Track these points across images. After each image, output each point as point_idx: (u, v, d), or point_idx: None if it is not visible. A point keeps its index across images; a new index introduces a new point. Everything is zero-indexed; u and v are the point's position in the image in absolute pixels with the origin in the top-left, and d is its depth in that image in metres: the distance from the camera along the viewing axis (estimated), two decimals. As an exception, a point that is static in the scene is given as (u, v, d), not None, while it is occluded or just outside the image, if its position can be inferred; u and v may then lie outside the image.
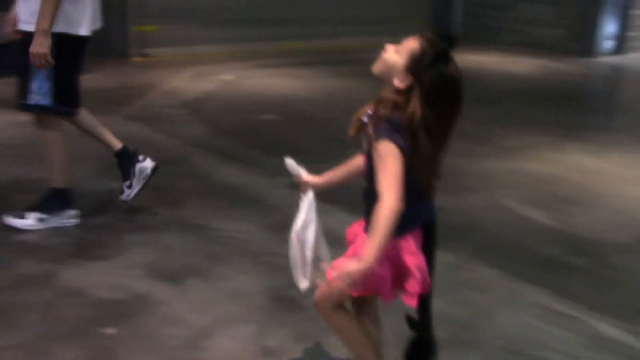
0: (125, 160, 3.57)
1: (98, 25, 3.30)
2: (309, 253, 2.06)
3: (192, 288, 2.89)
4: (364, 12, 9.86)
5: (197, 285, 2.91)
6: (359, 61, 9.11)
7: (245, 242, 3.34)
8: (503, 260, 3.33)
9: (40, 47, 2.95)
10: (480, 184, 4.47)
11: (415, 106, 1.77)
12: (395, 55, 1.83)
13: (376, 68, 1.89)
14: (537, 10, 10.18)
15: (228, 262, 3.13)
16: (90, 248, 3.22)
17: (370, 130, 1.83)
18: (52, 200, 3.34)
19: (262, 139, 5.14)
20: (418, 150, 1.79)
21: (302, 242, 2.06)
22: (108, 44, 7.77)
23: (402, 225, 1.79)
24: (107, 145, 3.57)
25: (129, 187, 3.55)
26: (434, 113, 1.79)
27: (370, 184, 1.86)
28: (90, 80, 6.64)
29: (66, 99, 3.22)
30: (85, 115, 3.45)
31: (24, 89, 3.13)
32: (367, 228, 1.87)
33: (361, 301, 2.10)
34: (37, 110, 3.19)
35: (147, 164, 3.60)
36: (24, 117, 5.18)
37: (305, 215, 2.07)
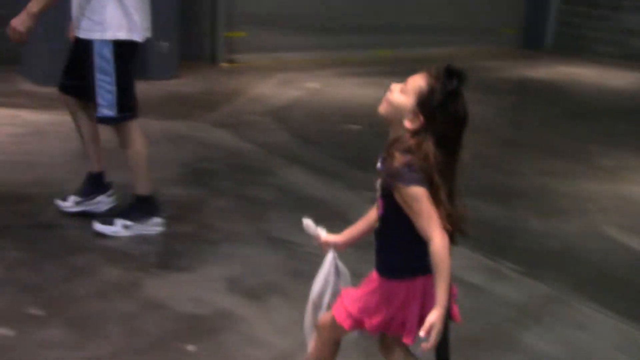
0: (95, 185, 3.51)
1: (148, 34, 3.26)
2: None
3: (275, 307, 2.81)
4: (452, 20, 9.62)
5: (281, 304, 2.83)
6: (447, 71, 8.92)
7: (329, 259, 3.24)
8: (606, 295, 3.08)
9: (21, 25, 2.99)
10: (576, 207, 4.21)
11: (428, 147, 1.72)
12: (402, 95, 1.77)
13: (382, 109, 1.82)
14: (638, 21, 9.65)
15: (312, 281, 3.03)
16: (174, 258, 3.20)
17: (387, 176, 1.77)
18: (138, 208, 3.35)
19: (347, 150, 5.04)
20: (434, 192, 1.74)
21: (316, 308, 2.02)
22: (197, 49, 7.89)
23: (414, 268, 1.81)
24: (93, 160, 3.51)
25: (77, 203, 3.48)
26: (444, 153, 1.74)
27: (385, 226, 1.86)
28: (179, 85, 6.78)
29: (128, 104, 3.21)
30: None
31: (95, 103, 3.17)
32: (379, 267, 1.89)
33: (389, 341, 2.01)
34: (107, 122, 3.23)
35: (106, 203, 3.52)
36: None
37: (324, 280, 2.01)
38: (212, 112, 5.85)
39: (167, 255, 3.23)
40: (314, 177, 4.40)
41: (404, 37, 9.24)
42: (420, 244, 1.75)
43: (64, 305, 2.72)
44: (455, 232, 1.80)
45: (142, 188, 3.35)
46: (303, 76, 7.52)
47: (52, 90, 6.21)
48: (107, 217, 3.36)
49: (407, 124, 1.74)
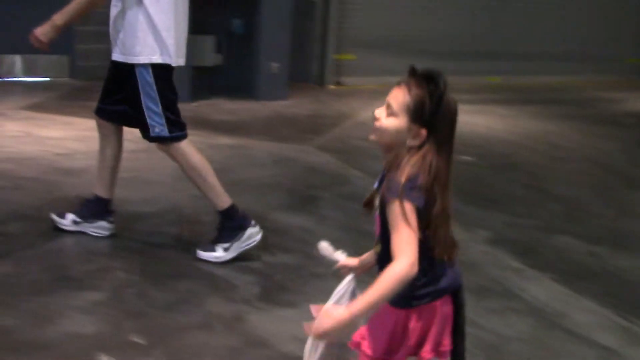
0: (99, 209, 3.36)
1: (181, 61, 3.23)
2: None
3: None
4: (569, 47, 9.15)
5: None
6: (564, 102, 8.51)
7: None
8: None
9: (44, 36, 3.02)
10: None
11: (430, 156, 1.65)
12: (393, 118, 1.67)
13: (377, 139, 1.73)
14: None
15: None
16: (279, 291, 3.08)
17: (386, 188, 1.67)
18: (229, 226, 3.21)
19: (458, 183, 4.68)
20: (435, 206, 1.65)
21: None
22: (306, 70, 7.88)
23: (426, 294, 1.71)
24: (101, 185, 3.37)
25: (75, 223, 3.34)
26: (442, 159, 1.66)
27: (383, 248, 1.73)
28: (287, 106, 6.76)
29: (177, 124, 3.16)
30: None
31: (144, 125, 3.12)
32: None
33: None
34: (161, 141, 3.17)
35: (106, 229, 3.38)
36: (225, 140, 5.39)
37: (336, 303, 1.85)
38: (319, 135, 5.76)
39: (271, 288, 3.11)
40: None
41: (518, 64, 8.89)
42: (428, 264, 1.66)
43: (166, 334, 2.65)
44: (448, 249, 1.71)
45: (220, 202, 3.21)
46: (412, 101, 7.32)
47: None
48: (208, 244, 3.26)
49: (411, 142, 1.66)
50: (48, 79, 7.08)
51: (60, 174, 4.27)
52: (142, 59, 3.00)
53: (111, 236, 3.40)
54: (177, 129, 3.13)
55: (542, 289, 3.28)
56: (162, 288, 2.98)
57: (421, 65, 1.70)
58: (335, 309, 1.65)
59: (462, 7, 8.63)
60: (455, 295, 1.79)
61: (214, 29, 6.80)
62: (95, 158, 4.58)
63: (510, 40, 8.87)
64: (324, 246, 1.98)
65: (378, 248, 1.79)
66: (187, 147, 3.17)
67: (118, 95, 3.16)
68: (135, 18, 2.96)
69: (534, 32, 9.04)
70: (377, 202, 1.75)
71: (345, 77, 8.04)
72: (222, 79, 6.88)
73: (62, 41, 6.94)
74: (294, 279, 3.19)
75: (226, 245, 3.20)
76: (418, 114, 1.64)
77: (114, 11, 3.05)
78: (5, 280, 2.93)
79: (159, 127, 3.07)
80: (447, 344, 1.78)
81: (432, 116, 1.64)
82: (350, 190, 4.45)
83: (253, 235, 3.23)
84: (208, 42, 6.78)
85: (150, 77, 3.02)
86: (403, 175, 1.62)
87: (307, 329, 1.71)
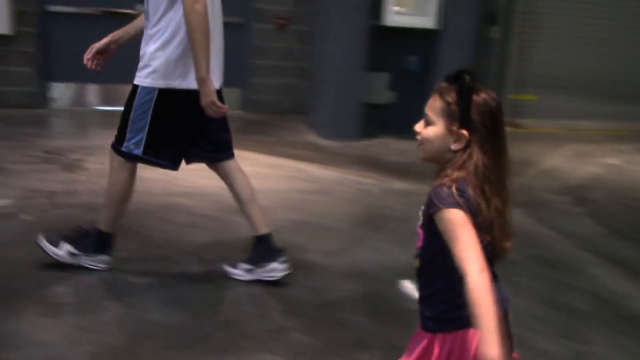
0: (266, 249, 3.20)
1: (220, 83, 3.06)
2: None
3: None
4: None
5: None
6: None
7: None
8: None
9: (208, 97, 2.84)
10: None
11: (476, 156, 1.58)
12: (432, 127, 1.63)
13: (425, 155, 1.67)
14: None
15: None
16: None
17: (430, 198, 1.59)
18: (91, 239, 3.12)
19: None
20: (487, 209, 1.56)
21: None
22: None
23: (460, 317, 1.55)
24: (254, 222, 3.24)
25: (247, 271, 3.19)
26: (490, 157, 1.59)
27: (424, 262, 1.68)
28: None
29: (159, 150, 2.99)
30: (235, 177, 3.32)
31: (122, 135, 2.99)
32: (422, 319, 1.70)
33: None
34: (128, 157, 3.01)
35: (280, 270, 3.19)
36: (399, 184, 5.07)
37: None
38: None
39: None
40: (633, 284, 3.59)
41: None
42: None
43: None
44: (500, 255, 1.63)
45: (107, 224, 3.11)
46: (600, 149, 6.63)
47: (335, 145, 6.33)
48: (54, 238, 3.14)
49: (454, 146, 1.60)
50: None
51: (234, 213, 4.13)
52: (158, 82, 2.90)
53: (285, 288, 3.17)
54: (155, 155, 2.99)
55: None
56: (343, 356, 2.68)
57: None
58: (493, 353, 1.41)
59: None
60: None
61: (388, 65, 6.56)
62: (270, 197, 4.49)
63: None
64: (407, 285, 1.96)
65: (417, 263, 1.71)
66: (131, 168, 3.07)
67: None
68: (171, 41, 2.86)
69: None
70: (421, 215, 1.67)
71: (523, 119, 7.48)
72: (394, 117, 6.61)
73: (237, 74, 7.15)
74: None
75: (75, 252, 3.12)
76: (453, 115, 1.60)
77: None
78: (180, 329, 2.76)
79: (133, 144, 2.96)
80: None
81: (467, 113, 1.58)
82: (546, 253, 3.94)
83: (104, 262, 3.15)
84: (382, 79, 6.55)
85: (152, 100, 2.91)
86: (451, 181, 1.56)
87: None
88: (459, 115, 1.58)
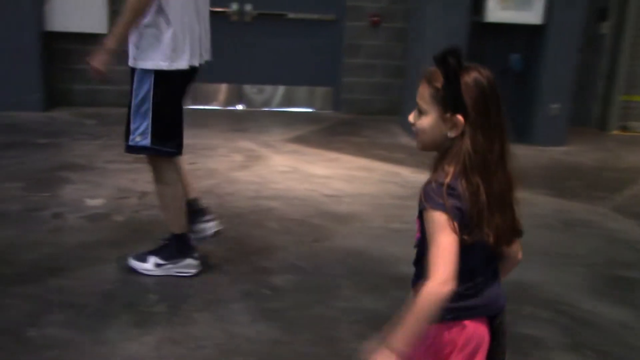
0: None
1: (206, 57, 3.02)
2: None
3: None
4: None
5: None
6: None
7: None
8: None
9: (101, 64, 2.81)
10: None
11: (470, 143, 1.46)
12: (425, 117, 1.52)
13: (422, 145, 1.56)
14: None
15: None
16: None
17: (421, 193, 1.50)
18: (173, 247, 3.06)
19: None
20: (481, 201, 1.46)
21: None
22: (586, 112, 6.94)
23: (457, 310, 1.52)
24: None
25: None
26: (486, 140, 1.47)
27: (420, 253, 1.57)
28: (567, 154, 5.91)
29: (166, 137, 2.93)
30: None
31: (127, 130, 2.93)
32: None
33: None
34: (139, 151, 2.94)
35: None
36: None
37: None
38: (614, 193, 4.84)
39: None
40: None
41: None
42: (465, 278, 1.48)
43: None
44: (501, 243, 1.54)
45: (175, 228, 3.06)
46: None
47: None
48: (141, 254, 3.09)
49: (451, 133, 1.50)
50: (310, 110, 7.04)
51: (327, 219, 3.96)
52: (153, 63, 2.81)
53: (384, 304, 2.94)
54: (162, 144, 2.92)
55: None
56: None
57: None
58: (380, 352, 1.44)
59: None
60: (493, 319, 1.59)
61: (487, 64, 6.16)
62: (365, 203, 4.28)
63: None
64: None
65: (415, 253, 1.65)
66: (168, 164, 3.00)
67: None
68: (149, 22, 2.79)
69: None
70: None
71: (635, 121, 6.93)
72: (494, 119, 6.24)
73: (328, 73, 7.00)
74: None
75: (160, 262, 3.07)
76: (443, 101, 1.49)
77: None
78: (272, 345, 2.58)
79: (139, 135, 2.89)
80: None
81: (458, 97, 1.47)
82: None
83: (190, 266, 3.08)
84: (481, 78, 6.19)
85: (149, 84, 2.84)
86: (444, 176, 1.48)
87: None
88: (450, 100, 1.48)
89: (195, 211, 3.19)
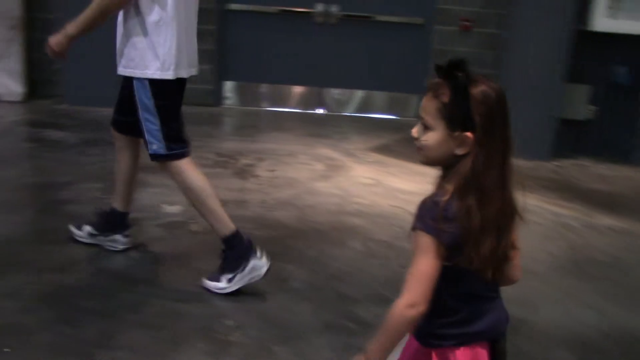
0: (115, 222, 3.21)
1: (193, 72, 3.00)
2: None
3: None
4: None
5: None
6: None
7: None
8: None
9: (57, 45, 2.81)
10: None
11: (476, 162, 1.40)
12: (430, 132, 1.45)
13: (427, 160, 1.48)
14: None
15: None
16: None
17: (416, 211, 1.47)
18: (231, 256, 2.87)
19: None
20: (478, 223, 1.40)
21: None
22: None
23: (460, 336, 1.50)
24: (117, 198, 3.20)
25: (91, 235, 3.24)
26: (493, 160, 1.41)
27: None
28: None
29: (176, 139, 2.91)
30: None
31: (145, 142, 2.92)
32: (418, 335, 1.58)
33: None
34: (160, 159, 2.91)
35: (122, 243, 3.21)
36: (605, 219, 4.30)
37: None
38: None
39: None
40: None
41: None
42: (464, 302, 1.49)
43: None
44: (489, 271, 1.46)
45: (222, 228, 2.88)
46: None
47: (521, 163, 5.50)
48: (214, 274, 2.92)
49: (459, 151, 1.42)
50: (393, 117, 6.75)
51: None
52: (138, 72, 2.81)
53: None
54: (177, 145, 2.90)
55: None
56: None
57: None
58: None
59: None
60: (495, 343, 1.53)
61: (591, 76, 5.75)
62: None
63: None
64: None
65: None
66: (186, 166, 2.91)
67: (128, 106, 2.94)
68: (134, 30, 2.79)
69: None
70: None
71: None
72: (593, 136, 5.80)
73: (414, 79, 6.69)
74: None
75: (229, 276, 2.88)
76: (452, 117, 1.41)
77: (119, 23, 2.90)
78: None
79: (156, 144, 2.87)
80: None
81: (467, 114, 1.38)
82: None
83: (257, 267, 2.87)
84: (582, 92, 5.76)
85: (147, 92, 2.82)
86: (441, 195, 1.42)
87: None
88: (458, 117, 1.41)
89: (122, 222, 3.23)
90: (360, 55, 6.59)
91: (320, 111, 6.75)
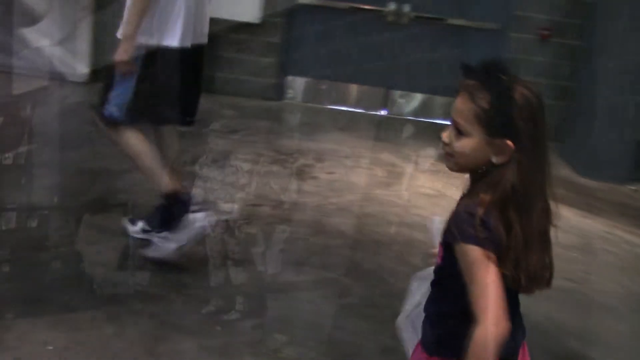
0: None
1: (201, 40, 3.00)
2: None
3: None
4: None
5: None
6: None
7: None
8: None
9: (122, 54, 2.81)
10: None
11: (516, 172, 1.32)
12: (466, 139, 1.35)
13: (458, 168, 1.40)
14: None
15: None
16: None
17: (450, 222, 1.35)
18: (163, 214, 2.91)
19: None
20: (515, 238, 1.32)
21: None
22: None
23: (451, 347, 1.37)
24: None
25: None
26: (534, 169, 1.34)
27: (438, 279, 1.46)
28: None
29: (139, 111, 2.89)
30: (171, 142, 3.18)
31: (104, 97, 2.92)
32: (424, 338, 1.50)
33: None
34: (109, 122, 2.92)
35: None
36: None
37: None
38: None
39: None
40: None
41: None
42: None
43: None
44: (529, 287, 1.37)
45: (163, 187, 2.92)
46: None
47: (596, 186, 5.28)
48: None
49: (497, 160, 1.34)
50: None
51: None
52: (142, 38, 2.80)
53: None
54: (135, 118, 2.88)
55: None
56: None
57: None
58: None
59: None
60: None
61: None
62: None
63: None
64: (437, 220, 1.50)
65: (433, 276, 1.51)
66: (131, 133, 2.90)
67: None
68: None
69: None
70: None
71: None
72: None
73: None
74: None
75: (147, 228, 2.99)
76: (492, 123, 1.33)
77: None
78: None
79: (114, 106, 2.86)
80: None
81: (509, 120, 1.31)
82: None
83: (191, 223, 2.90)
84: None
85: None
86: (478, 207, 1.31)
87: None
88: (500, 123, 1.33)
89: (180, 210, 3.03)
90: (429, 58, 6.37)
91: (383, 112, 6.57)
